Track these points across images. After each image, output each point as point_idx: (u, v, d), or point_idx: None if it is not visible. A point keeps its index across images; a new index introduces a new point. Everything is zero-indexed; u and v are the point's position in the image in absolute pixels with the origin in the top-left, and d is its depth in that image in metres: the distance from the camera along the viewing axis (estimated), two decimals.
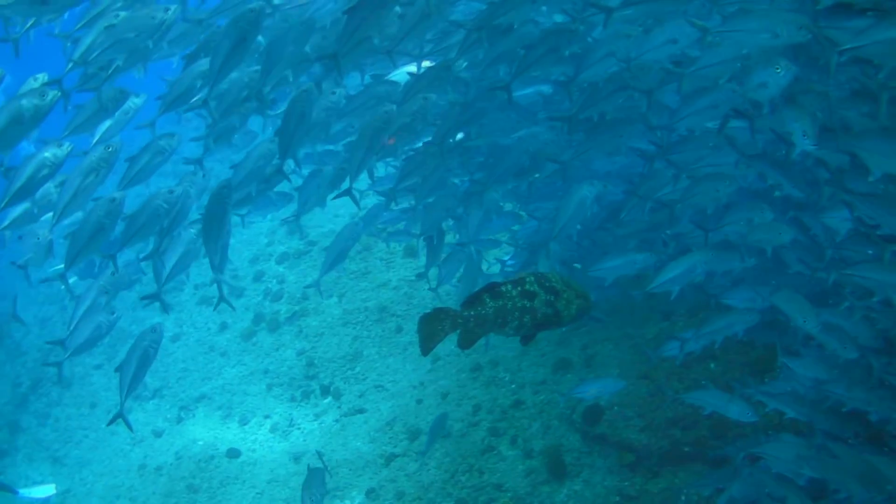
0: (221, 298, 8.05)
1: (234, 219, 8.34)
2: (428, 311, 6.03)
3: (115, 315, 8.38)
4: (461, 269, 9.56)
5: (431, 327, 6.14)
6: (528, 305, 6.29)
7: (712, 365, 8.95)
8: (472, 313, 6.17)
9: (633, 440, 8.91)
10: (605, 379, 8.57)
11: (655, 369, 9.25)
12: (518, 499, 9.06)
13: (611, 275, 8.29)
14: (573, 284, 6.75)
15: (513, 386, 10.52)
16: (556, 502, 8.88)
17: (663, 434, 8.75)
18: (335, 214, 15.72)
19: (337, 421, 11.49)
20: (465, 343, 6.28)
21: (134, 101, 8.38)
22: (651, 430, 8.85)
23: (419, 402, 11.02)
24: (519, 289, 6.37)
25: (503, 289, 6.34)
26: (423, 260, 13.04)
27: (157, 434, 13.01)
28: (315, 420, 11.73)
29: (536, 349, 10.71)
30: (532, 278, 6.54)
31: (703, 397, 7.57)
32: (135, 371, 7.71)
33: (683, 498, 8.33)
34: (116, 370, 7.72)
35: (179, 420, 13.11)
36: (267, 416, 12.27)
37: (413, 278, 13.52)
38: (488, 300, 6.27)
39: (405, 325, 12.71)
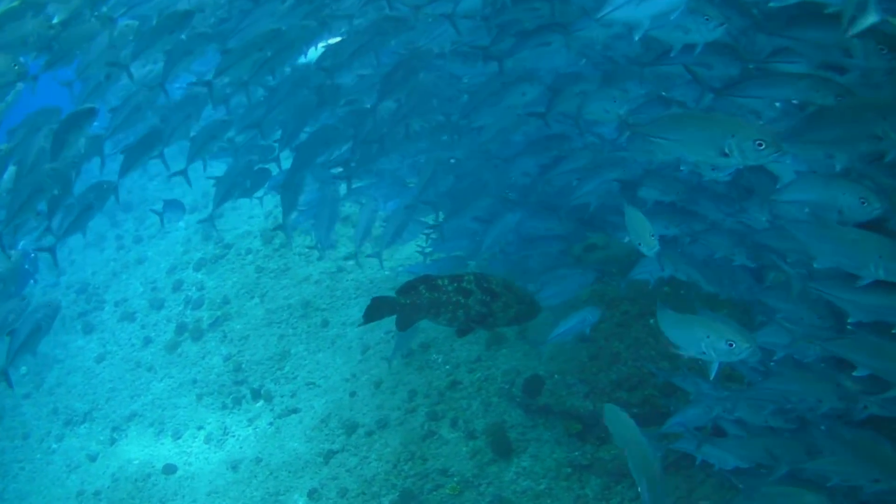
0: None
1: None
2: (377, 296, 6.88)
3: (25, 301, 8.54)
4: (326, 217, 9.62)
5: (373, 310, 6.87)
6: (461, 301, 6.80)
7: (651, 321, 8.94)
8: (407, 301, 6.79)
9: (579, 408, 8.82)
10: (581, 311, 8.04)
11: (594, 330, 8.98)
12: (465, 482, 8.94)
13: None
14: (516, 290, 7.03)
15: (447, 367, 10.42)
16: (506, 481, 8.78)
17: (609, 398, 8.60)
18: (249, 216, 15.48)
19: (271, 424, 11.28)
20: (402, 325, 6.98)
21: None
22: (596, 395, 8.76)
23: (353, 394, 10.87)
24: (455, 285, 6.89)
25: (440, 282, 6.89)
26: (341, 250, 13.03)
27: (92, 458, 12.65)
28: (249, 425, 11.51)
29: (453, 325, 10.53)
30: (471, 277, 7.02)
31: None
32: (25, 339, 7.95)
33: None
34: (7, 334, 7.80)
35: (112, 441, 12.75)
36: (200, 428, 12.00)
37: (336, 270, 13.38)
38: (424, 291, 6.82)
39: (331, 318, 12.53)
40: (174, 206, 14.23)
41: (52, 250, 8.43)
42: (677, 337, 5.43)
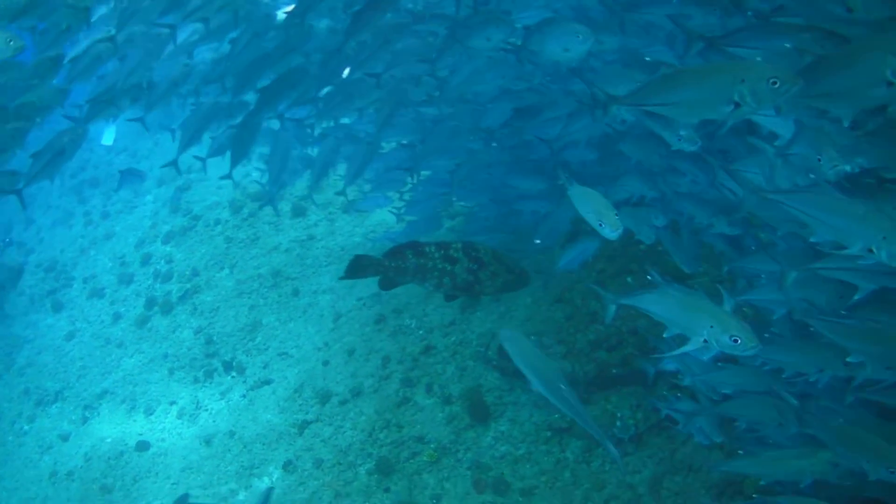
0: None
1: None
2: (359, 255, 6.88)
3: None
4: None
5: (356, 268, 6.83)
6: (448, 269, 6.84)
7: (629, 279, 8.73)
8: (392, 264, 6.82)
9: None
10: (583, 241, 7.70)
11: (570, 290, 9.02)
12: (442, 448, 8.82)
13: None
14: (505, 260, 6.98)
15: (421, 332, 10.25)
16: (484, 446, 8.66)
17: (588, 358, 8.54)
18: (218, 186, 15.18)
19: (244, 396, 11.08)
20: (385, 286, 7.00)
21: None
22: (574, 356, 8.62)
23: (326, 363, 10.67)
24: (442, 252, 6.90)
25: (427, 249, 6.90)
26: (311, 217, 12.81)
27: (64, 438, 12.43)
28: (221, 399, 11.30)
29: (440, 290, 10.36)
30: (459, 245, 7.02)
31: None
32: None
33: (619, 423, 8.19)
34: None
35: (84, 420, 12.53)
36: (172, 403, 11.78)
37: (305, 238, 13.14)
38: (410, 256, 6.85)
39: (301, 286, 12.31)
40: (133, 174, 13.96)
41: (19, 193, 8.24)
42: (676, 318, 5.07)
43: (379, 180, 10.35)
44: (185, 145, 9.21)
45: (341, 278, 7.06)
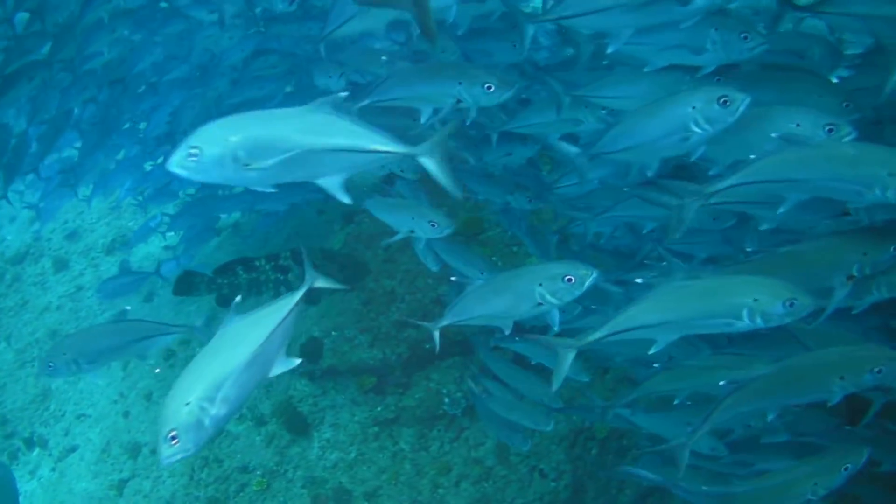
0: None
1: None
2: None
3: None
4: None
5: (186, 286, 7.21)
6: (281, 278, 7.02)
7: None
8: (225, 281, 7.08)
9: (367, 359, 8.53)
10: None
11: (361, 277, 8.75)
12: (270, 473, 8.70)
13: None
14: (337, 258, 7.17)
15: None
16: (312, 459, 8.59)
17: (397, 340, 8.42)
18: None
19: (53, 470, 10.74)
20: (222, 303, 7.32)
21: None
22: (383, 341, 8.51)
23: (126, 414, 10.47)
24: (273, 263, 7.10)
25: (257, 263, 7.19)
26: (74, 268, 12.44)
27: None
28: (32, 478, 10.93)
29: (224, 309, 10.26)
30: (287, 254, 7.33)
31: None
32: None
33: (447, 399, 8.14)
34: None
35: None
36: None
37: (74, 290, 12.79)
38: (241, 272, 7.18)
39: None
40: None
41: None
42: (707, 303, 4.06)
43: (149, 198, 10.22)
44: None
45: (174, 294, 7.07)
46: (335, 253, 7.18)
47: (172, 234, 10.59)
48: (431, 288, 8.40)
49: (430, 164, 3.87)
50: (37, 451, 11.24)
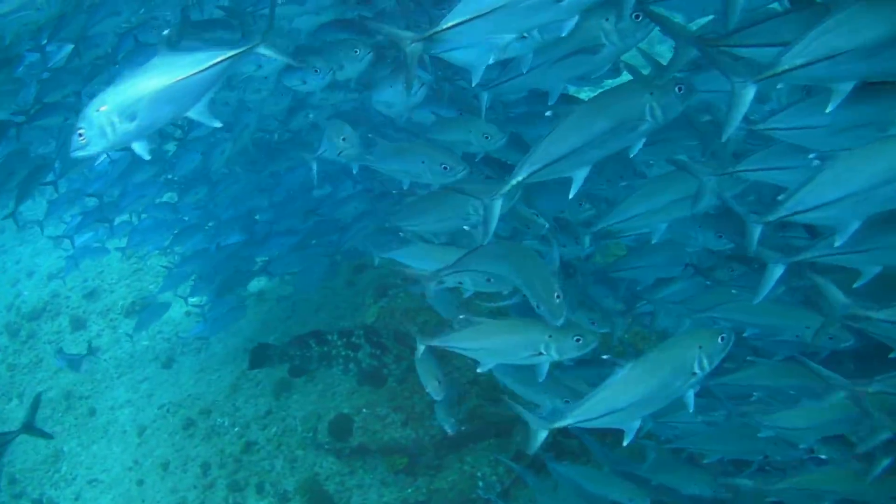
0: None
1: None
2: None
3: None
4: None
5: (261, 358, 7.82)
6: (351, 355, 7.53)
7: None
8: (298, 353, 7.72)
9: (399, 439, 8.31)
10: None
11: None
12: None
13: None
14: (408, 341, 7.23)
15: (236, 429, 9.82)
16: None
17: (432, 421, 8.07)
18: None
19: None
20: (295, 374, 7.92)
21: None
22: (416, 421, 8.31)
23: (140, 483, 10.28)
24: (345, 340, 7.73)
25: (329, 337, 7.72)
26: (91, 328, 12.44)
27: None
28: None
29: (246, 378, 9.89)
30: (361, 332, 7.74)
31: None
32: None
33: (481, 483, 7.93)
34: None
35: None
36: None
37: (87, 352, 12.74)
38: (314, 345, 7.69)
39: (97, 404, 11.80)
40: None
41: None
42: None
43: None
44: None
45: (250, 369, 7.37)
46: (406, 337, 7.11)
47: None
48: (469, 368, 8.08)
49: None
50: None
